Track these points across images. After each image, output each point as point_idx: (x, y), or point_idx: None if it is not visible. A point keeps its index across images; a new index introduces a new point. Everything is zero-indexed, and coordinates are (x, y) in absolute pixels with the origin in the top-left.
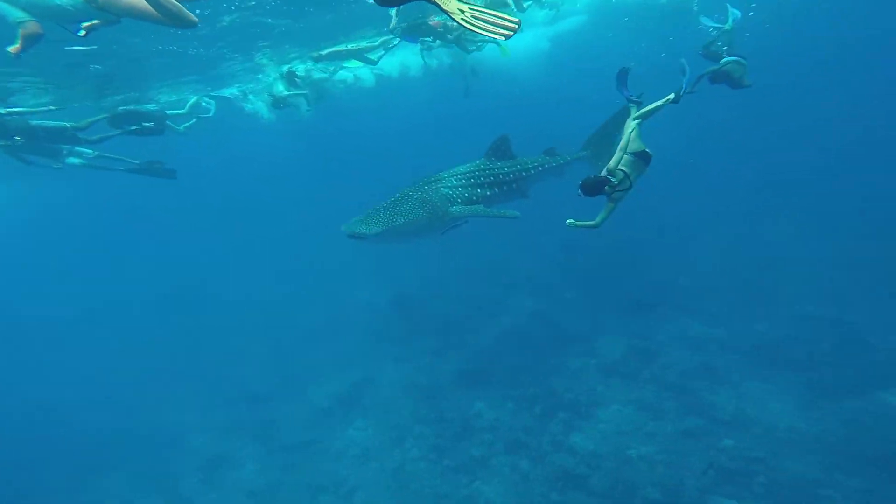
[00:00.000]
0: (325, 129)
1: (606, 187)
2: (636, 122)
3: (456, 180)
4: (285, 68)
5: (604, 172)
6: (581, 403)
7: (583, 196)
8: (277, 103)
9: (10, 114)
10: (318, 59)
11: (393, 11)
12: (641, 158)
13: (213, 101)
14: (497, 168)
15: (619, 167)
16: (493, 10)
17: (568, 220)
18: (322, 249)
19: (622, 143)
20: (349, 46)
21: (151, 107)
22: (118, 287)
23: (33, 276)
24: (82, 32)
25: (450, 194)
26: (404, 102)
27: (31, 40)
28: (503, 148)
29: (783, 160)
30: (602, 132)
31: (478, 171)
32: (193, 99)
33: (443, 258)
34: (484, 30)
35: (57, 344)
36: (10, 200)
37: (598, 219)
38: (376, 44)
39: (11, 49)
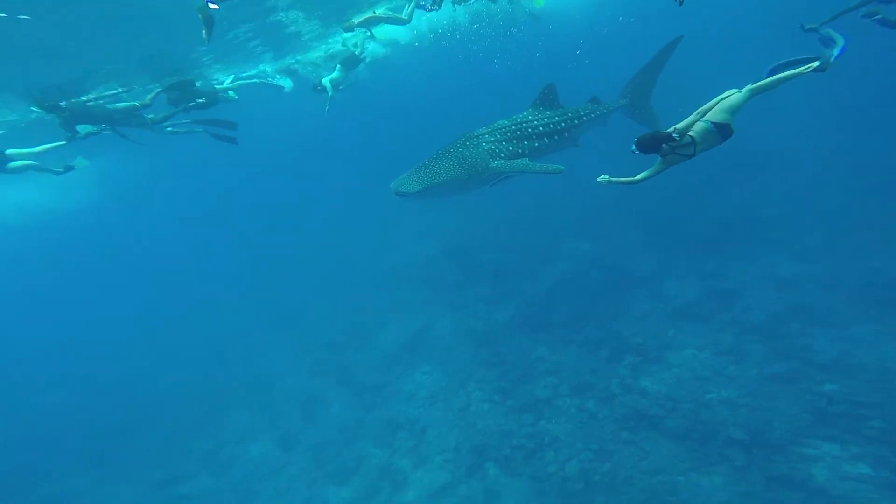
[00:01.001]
0: (374, 92)
1: (665, 145)
2: (746, 92)
3: (500, 135)
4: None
5: (671, 129)
6: (650, 347)
7: (636, 153)
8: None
9: (91, 100)
10: (348, 29)
11: None
12: (720, 132)
13: (288, 79)
14: (546, 118)
15: (691, 133)
16: None
17: (601, 176)
18: (377, 206)
19: (705, 107)
20: (378, 12)
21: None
22: (210, 256)
23: (146, 247)
24: None
25: (492, 149)
26: (446, 60)
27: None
28: (551, 97)
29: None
30: (639, 79)
31: (524, 123)
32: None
33: (492, 207)
34: None
35: (173, 308)
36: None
37: (640, 175)
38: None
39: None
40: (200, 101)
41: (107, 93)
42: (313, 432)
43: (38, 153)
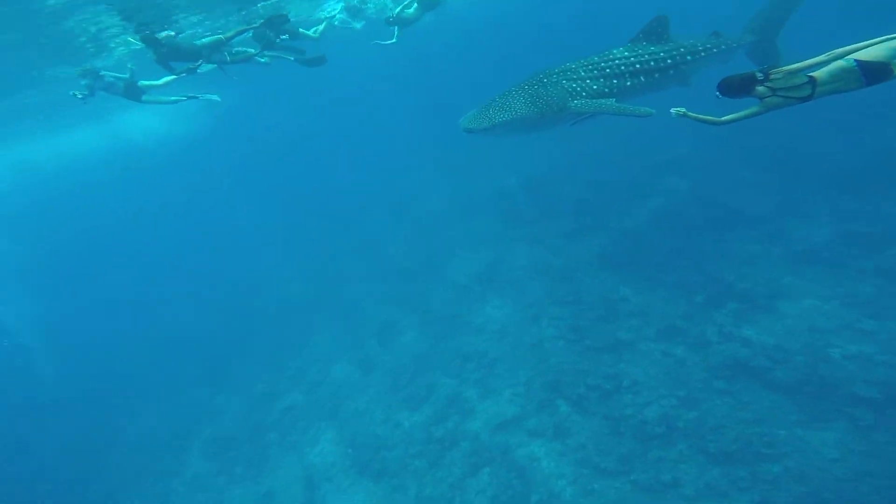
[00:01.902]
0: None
1: (759, 87)
2: None
3: (584, 72)
4: None
5: (763, 70)
6: (758, 294)
7: (721, 97)
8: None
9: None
10: None
11: None
12: (867, 73)
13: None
14: (648, 54)
15: (813, 73)
16: None
17: (674, 109)
18: (453, 138)
19: (848, 48)
20: None
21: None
22: (306, 185)
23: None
24: None
25: (574, 87)
26: None
27: None
28: (659, 30)
29: None
30: (771, 12)
31: (617, 59)
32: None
33: (577, 141)
34: None
35: (274, 230)
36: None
37: (727, 116)
38: None
39: None
40: (284, 37)
41: (191, 17)
42: (388, 358)
43: (166, 83)
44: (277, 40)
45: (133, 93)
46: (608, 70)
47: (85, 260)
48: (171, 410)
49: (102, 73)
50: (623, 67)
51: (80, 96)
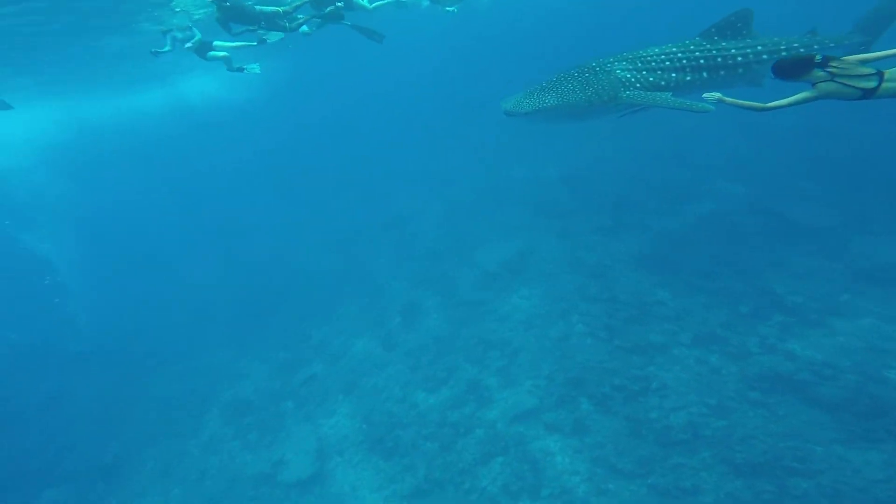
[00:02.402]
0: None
1: (818, 71)
2: None
3: (641, 63)
4: None
5: (824, 56)
6: (810, 309)
7: (774, 78)
8: None
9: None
10: None
11: None
12: None
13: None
14: (716, 49)
15: (889, 70)
16: None
17: (707, 94)
18: (492, 125)
19: None
20: None
21: None
22: (337, 161)
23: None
24: None
25: (627, 77)
26: None
27: None
28: (738, 25)
29: None
30: (881, 14)
31: (679, 52)
32: None
33: (625, 136)
34: None
35: (306, 201)
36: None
37: (775, 102)
38: None
39: None
40: (340, 4)
41: None
42: (411, 337)
43: (235, 48)
44: (332, 7)
45: (203, 50)
46: (667, 62)
47: (132, 214)
48: (195, 370)
49: (177, 33)
50: (685, 61)
51: (162, 50)
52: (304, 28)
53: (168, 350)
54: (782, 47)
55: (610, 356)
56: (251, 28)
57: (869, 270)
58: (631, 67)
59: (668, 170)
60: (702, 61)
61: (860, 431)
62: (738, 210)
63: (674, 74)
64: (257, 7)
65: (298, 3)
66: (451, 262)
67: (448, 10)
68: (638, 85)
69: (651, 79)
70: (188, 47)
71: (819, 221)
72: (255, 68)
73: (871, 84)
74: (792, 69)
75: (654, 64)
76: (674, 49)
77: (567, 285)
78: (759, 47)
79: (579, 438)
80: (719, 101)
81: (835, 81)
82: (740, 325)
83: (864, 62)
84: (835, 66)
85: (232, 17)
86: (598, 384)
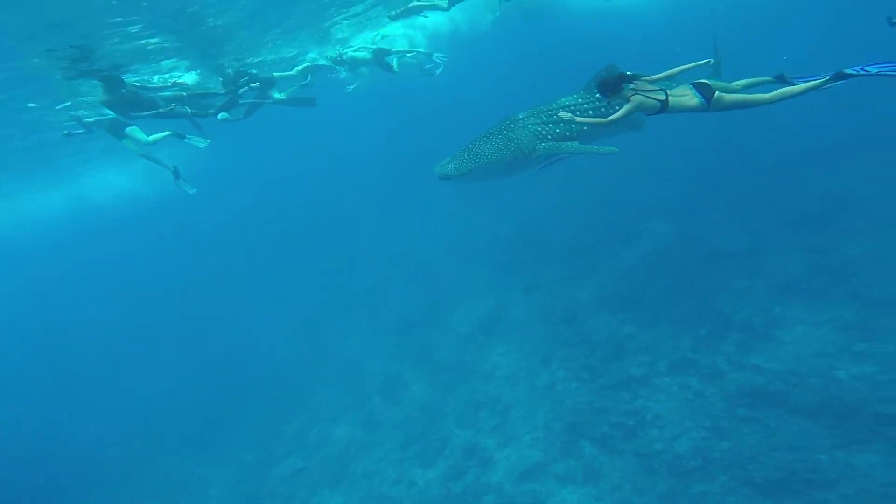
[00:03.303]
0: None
1: (627, 87)
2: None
3: (546, 117)
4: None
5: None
6: (756, 324)
7: (600, 95)
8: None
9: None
10: (394, 18)
11: None
12: (700, 91)
13: (444, 58)
14: (597, 100)
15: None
16: None
17: (562, 113)
18: (437, 187)
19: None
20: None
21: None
22: (285, 240)
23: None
24: None
25: (539, 131)
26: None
27: None
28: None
29: None
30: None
31: (572, 105)
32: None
33: (557, 188)
34: None
35: (256, 292)
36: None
37: (612, 116)
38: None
39: None
40: (255, 85)
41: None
42: (396, 413)
43: (151, 142)
44: (244, 89)
45: (117, 130)
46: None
47: (64, 319)
48: (141, 488)
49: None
50: (579, 113)
51: (71, 133)
52: (224, 114)
53: (103, 468)
54: None
55: (598, 396)
56: (153, 112)
57: (786, 284)
58: (539, 121)
59: (605, 214)
60: (590, 112)
61: (846, 434)
62: (670, 244)
63: (574, 125)
64: (158, 94)
65: (210, 90)
66: (424, 330)
67: (437, 73)
68: (549, 137)
69: (557, 130)
70: (93, 121)
71: (735, 246)
72: (198, 142)
73: (662, 97)
74: (609, 86)
75: (555, 116)
76: (567, 102)
77: (541, 335)
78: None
79: (594, 485)
80: (571, 119)
81: (640, 94)
82: (705, 347)
83: (653, 81)
84: (637, 83)
85: (126, 104)
86: (595, 425)
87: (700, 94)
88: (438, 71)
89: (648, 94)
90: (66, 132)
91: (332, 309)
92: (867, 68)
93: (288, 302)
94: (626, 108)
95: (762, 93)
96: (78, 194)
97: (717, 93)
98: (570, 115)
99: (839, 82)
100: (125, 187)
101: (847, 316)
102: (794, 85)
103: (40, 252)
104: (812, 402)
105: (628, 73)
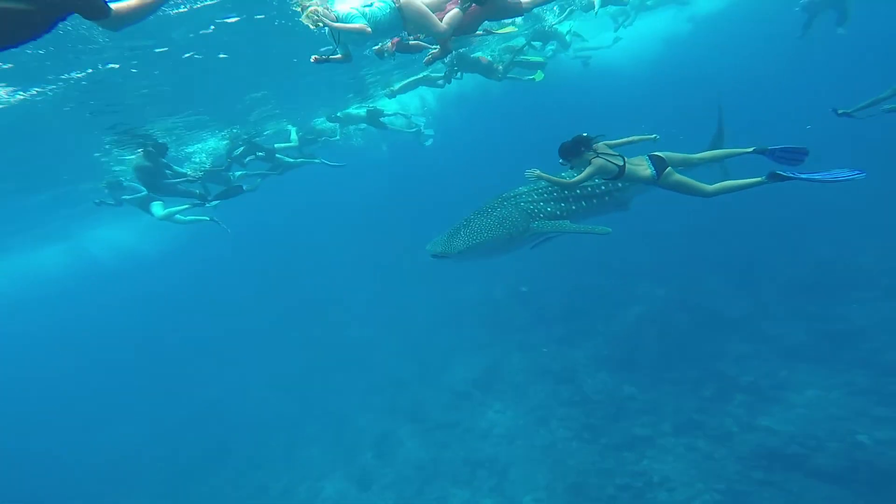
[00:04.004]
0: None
1: (588, 152)
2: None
3: (537, 195)
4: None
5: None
6: (763, 387)
7: (561, 160)
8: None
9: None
10: (391, 95)
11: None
12: (654, 163)
13: (432, 132)
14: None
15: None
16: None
17: (529, 170)
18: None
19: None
20: (420, 76)
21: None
22: (277, 296)
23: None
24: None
25: (531, 209)
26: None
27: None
28: None
29: None
30: (716, 136)
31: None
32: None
33: (550, 250)
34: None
35: (245, 346)
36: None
37: (574, 179)
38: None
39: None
40: (260, 154)
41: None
42: (389, 471)
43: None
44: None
45: (145, 204)
46: (556, 193)
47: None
48: None
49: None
50: (567, 192)
51: (102, 202)
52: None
53: None
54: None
55: (601, 456)
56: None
57: (792, 348)
58: (531, 200)
59: (598, 277)
60: (578, 191)
61: (887, 502)
62: (666, 308)
63: (562, 204)
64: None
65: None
66: (418, 387)
67: (426, 145)
68: (541, 215)
69: (549, 209)
70: (129, 199)
71: (736, 311)
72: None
73: (620, 162)
74: (569, 151)
75: (546, 195)
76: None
77: (539, 394)
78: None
79: None
80: (538, 176)
81: (601, 157)
82: (711, 409)
83: (613, 146)
84: (596, 147)
85: (156, 175)
86: (601, 487)
87: (654, 166)
88: (427, 143)
89: (608, 159)
90: (97, 201)
91: (324, 366)
92: (802, 174)
93: (278, 359)
94: (587, 170)
95: (709, 182)
96: (72, 247)
97: (668, 168)
98: (536, 171)
99: (774, 182)
100: (123, 242)
101: (859, 381)
102: (736, 179)
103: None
104: (837, 466)
105: (585, 134)
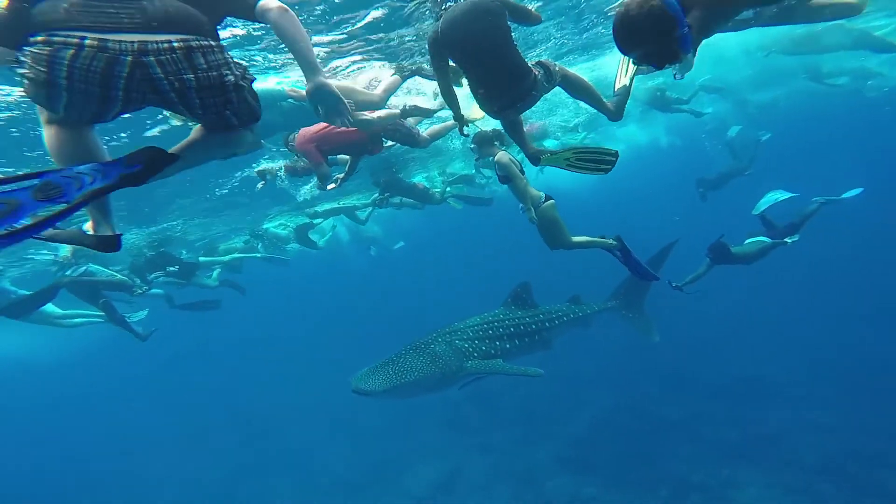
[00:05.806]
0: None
1: (495, 141)
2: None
3: (472, 332)
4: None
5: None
6: (712, 485)
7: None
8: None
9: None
10: (313, 217)
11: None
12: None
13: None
14: (517, 318)
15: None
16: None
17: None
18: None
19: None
20: (341, 204)
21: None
22: (207, 390)
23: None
24: None
25: (466, 347)
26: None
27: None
28: (524, 296)
29: None
30: (630, 282)
31: (496, 322)
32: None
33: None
34: (586, 169)
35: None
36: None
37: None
38: (367, 202)
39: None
40: (172, 269)
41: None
42: None
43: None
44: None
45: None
46: (490, 332)
47: None
48: None
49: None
50: (501, 330)
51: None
52: (157, 290)
53: None
54: (556, 315)
55: None
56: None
57: (730, 449)
58: (465, 338)
59: (550, 385)
60: (511, 330)
61: None
62: (616, 413)
63: (497, 343)
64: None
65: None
66: (373, 493)
67: (396, 247)
68: (476, 354)
69: (483, 347)
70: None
71: (673, 415)
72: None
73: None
74: (484, 139)
75: (481, 333)
76: (491, 319)
77: (504, 495)
78: (542, 316)
79: None
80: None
81: (508, 154)
82: None
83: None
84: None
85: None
86: None
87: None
88: (373, 253)
89: (513, 160)
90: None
91: (254, 472)
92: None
93: (199, 462)
94: (498, 156)
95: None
96: None
97: (551, 201)
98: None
99: (623, 256)
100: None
101: (791, 480)
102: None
103: None
104: None
105: (500, 130)
